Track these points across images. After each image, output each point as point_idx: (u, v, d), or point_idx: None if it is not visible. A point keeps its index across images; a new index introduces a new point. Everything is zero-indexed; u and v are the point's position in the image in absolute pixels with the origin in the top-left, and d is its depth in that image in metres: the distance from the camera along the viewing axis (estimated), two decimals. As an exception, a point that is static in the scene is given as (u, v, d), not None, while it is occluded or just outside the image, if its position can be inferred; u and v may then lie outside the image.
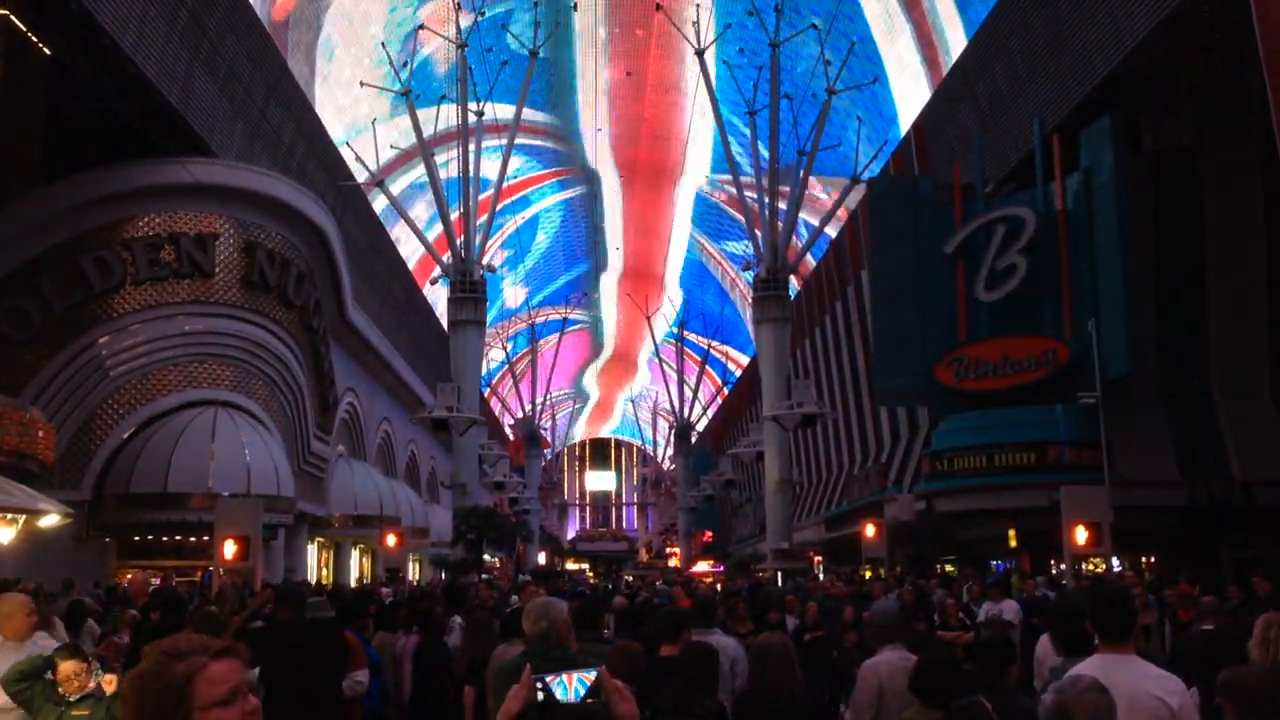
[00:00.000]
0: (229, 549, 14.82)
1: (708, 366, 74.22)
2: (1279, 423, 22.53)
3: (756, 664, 5.55)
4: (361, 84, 36.72)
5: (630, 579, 41.78)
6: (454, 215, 35.70)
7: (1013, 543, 24.99)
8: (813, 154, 34.63)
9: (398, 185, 42.26)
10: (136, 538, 22.33)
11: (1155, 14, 18.41)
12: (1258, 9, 13.26)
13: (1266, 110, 13.48)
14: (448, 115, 36.45)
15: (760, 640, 5.81)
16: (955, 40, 31.58)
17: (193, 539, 21.57)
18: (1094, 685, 3.08)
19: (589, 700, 2.28)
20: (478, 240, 35.23)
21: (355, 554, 36.85)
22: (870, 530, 24.05)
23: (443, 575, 31.81)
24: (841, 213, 38.31)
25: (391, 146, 39.04)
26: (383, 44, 36.22)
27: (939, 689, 4.41)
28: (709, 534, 69.45)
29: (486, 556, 37.21)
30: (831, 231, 40.26)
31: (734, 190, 39.40)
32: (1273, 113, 13.18)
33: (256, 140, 25.50)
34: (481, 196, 36.53)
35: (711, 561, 60.00)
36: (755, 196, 36.40)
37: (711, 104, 36.31)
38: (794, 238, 36.50)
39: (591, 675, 2.34)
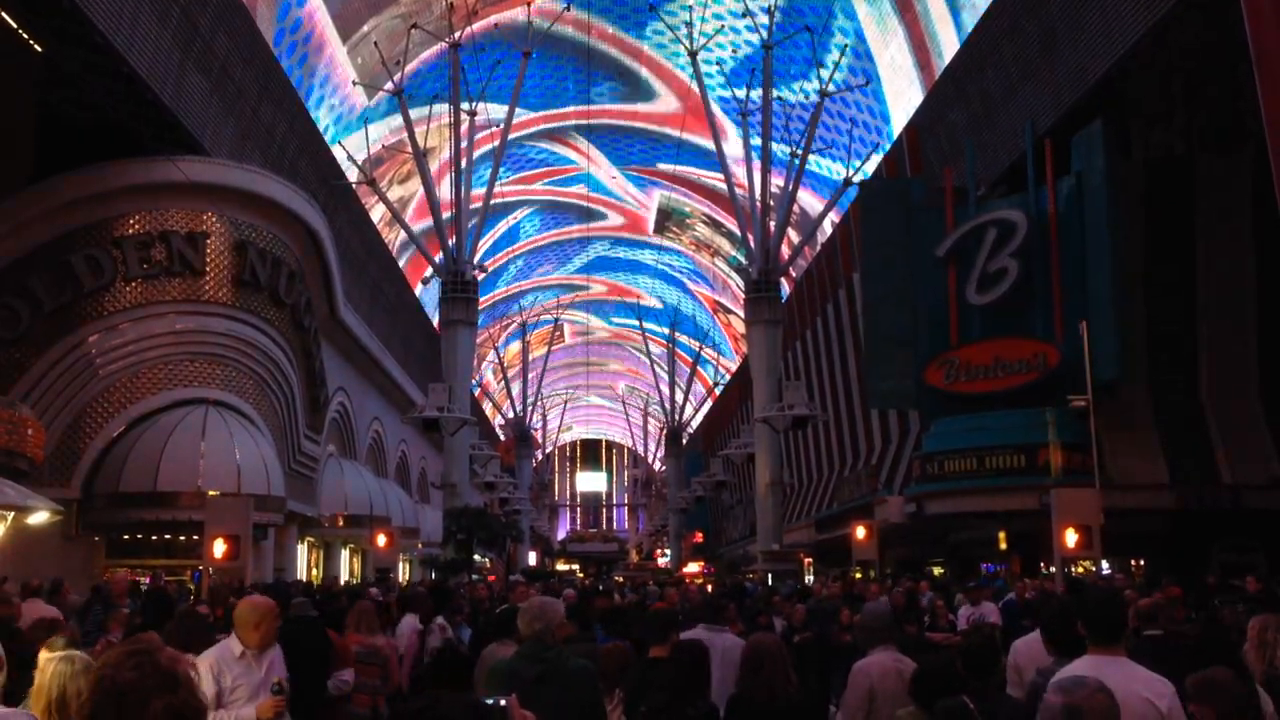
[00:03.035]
0: (218, 548, 14.75)
1: (699, 368, 74.25)
2: (1268, 426, 22.64)
3: (751, 664, 5.54)
4: (354, 83, 36.68)
5: (620, 580, 41.77)
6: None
7: (1003, 545, 25.04)
8: (805, 156, 34.71)
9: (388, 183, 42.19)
10: (126, 536, 22.23)
11: (1146, 20, 18.46)
12: (1249, 15, 13.30)
13: (1257, 117, 13.51)
14: (440, 115, 36.46)
15: (754, 640, 5.80)
16: (948, 43, 31.63)
17: (182, 538, 21.50)
18: (1102, 686, 3.08)
19: None
20: (469, 240, 35.29)
21: (345, 554, 36.79)
22: (861, 532, 24.04)
23: (432, 575, 31.79)
24: (834, 215, 38.39)
25: (384, 147, 39.00)
26: (375, 43, 36.16)
27: (939, 693, 4.42)
28: (699, 535, 69.50)
29: (477, 557, 37.24)
30: (823, 235, 40.35)
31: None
32: (1264, 119, 13.21)
33: (248, 139, 25.43)
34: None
35: (702, 563, 60.08)
36: (747, 198, 36.50)
37: (704, 106, 36.37)
38: (785, 239, 36.56)
39: (501, 702, 2.36)
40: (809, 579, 32.35)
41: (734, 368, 66.83)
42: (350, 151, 35.90)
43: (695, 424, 78.72)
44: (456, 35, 34.89)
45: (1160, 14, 18.01)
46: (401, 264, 45.55)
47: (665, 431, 78.01)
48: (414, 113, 35.54)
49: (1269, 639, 4.60)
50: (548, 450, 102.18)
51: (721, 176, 38.37)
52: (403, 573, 39.35)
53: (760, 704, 5.26)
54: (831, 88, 34.87)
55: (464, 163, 35.54)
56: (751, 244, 35.44)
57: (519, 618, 5.29)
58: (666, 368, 73.29)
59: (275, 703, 5.28)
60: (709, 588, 23.88)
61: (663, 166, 54.47)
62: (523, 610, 5.26)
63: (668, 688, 5.16)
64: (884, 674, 5.61)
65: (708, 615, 6.92)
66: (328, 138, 33.84)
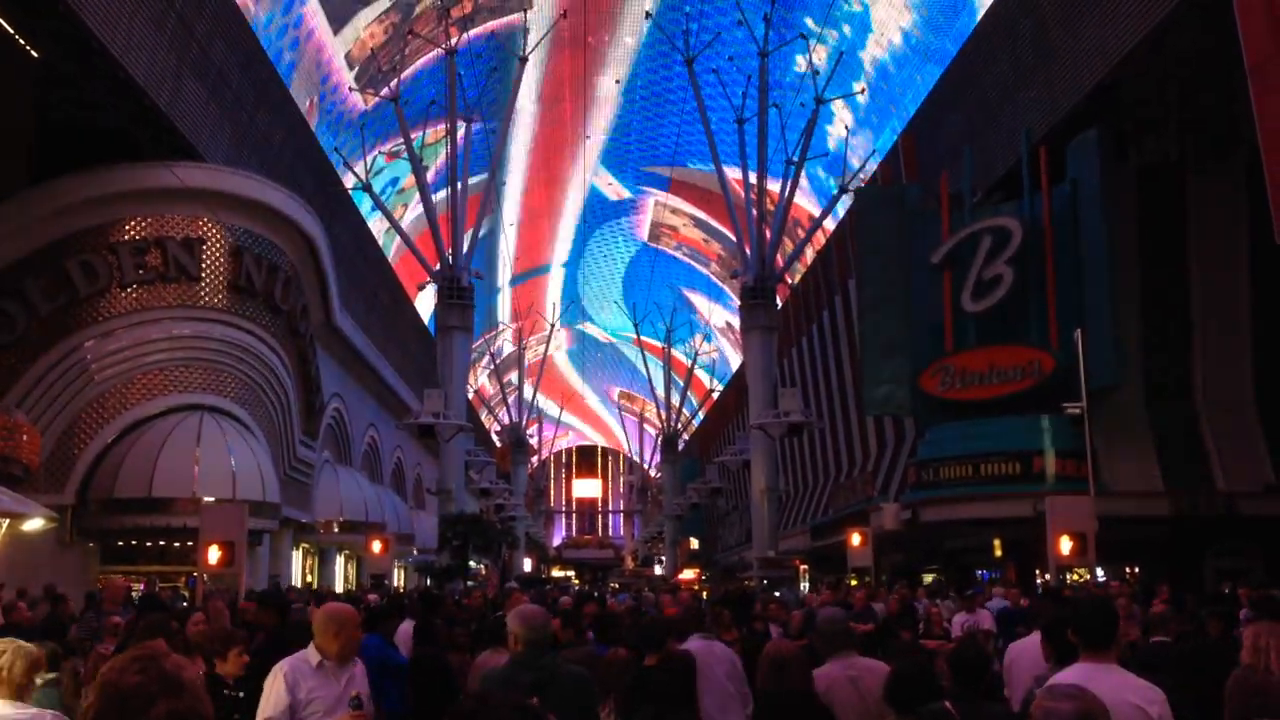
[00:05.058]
0: (213, 554, 14.75)
1: (695, 373, 74.21)
2: (1262, 434, 22.65)
3: (772, 670, 5.50)
4: (350, 89, 36.71)
5: (616, 586, 41.77)
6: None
7: (998, 552, 25.04)
8: (801, 163, 34.74)
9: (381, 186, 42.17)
10: (120, 543, 22.22)
11: (1141, 28, 18.52)
12: (1242, 24, 13.36)
13: (1251, 123, 13.58)
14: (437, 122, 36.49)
15: (773, 647, 5.78)
16: (945, 49, 31.70)
17: (177, 544, 21.48)
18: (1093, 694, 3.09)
19: None
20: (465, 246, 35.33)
21: (340, 560, 36.74)
22: (856, 539, 24.06)
23: (427, 581, 31.75)
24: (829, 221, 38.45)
25: (379, 152, 39.00)
26: (373, 50, 36.21)
27: (912, 698, 4.41)
28: (694, 542, 69.44)
29: (472, 563, 37.18)
30: (819, 241, 40.39)
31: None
32: (1257, 126, 13.27)
33: (244, 145, 25.44)
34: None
35: (697, 569, 60.05)
36: (743, 205, 36.53)
37: (700, 112, 36.41)
38: (781, 245, 36.60)
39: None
40: (804, 586, 32.36)
41: (730, 374, 66.83)
42: (347, 157, 35.90)
43: (691, 430, 78.67)
44: (453, 42, 34.93)
45: (1156, 21, 18.07)
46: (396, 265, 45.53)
47: (661, 438, 77.94)
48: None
49: (1262, 644, 4.62)
50: (544, 456, 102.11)
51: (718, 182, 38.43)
52: (398, 579, 39.30)
53: (786, 702, 5.23)
54: (826, 95, 34.91)
55: (460, 169, 35.55)
56: (748, 251, 35.47)
57: (511, 625, 5.28)
58: (662, 374, 73.22)
59: (354, 717, 4.84)
60: (704, 594, 23.88)
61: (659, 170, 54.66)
62: (515, 617, 5.25)
63: (655, 698, 5.15)
64: (834, 685, 5.52)
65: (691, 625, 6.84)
66: (324, 144, 33.85)
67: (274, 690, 4.95)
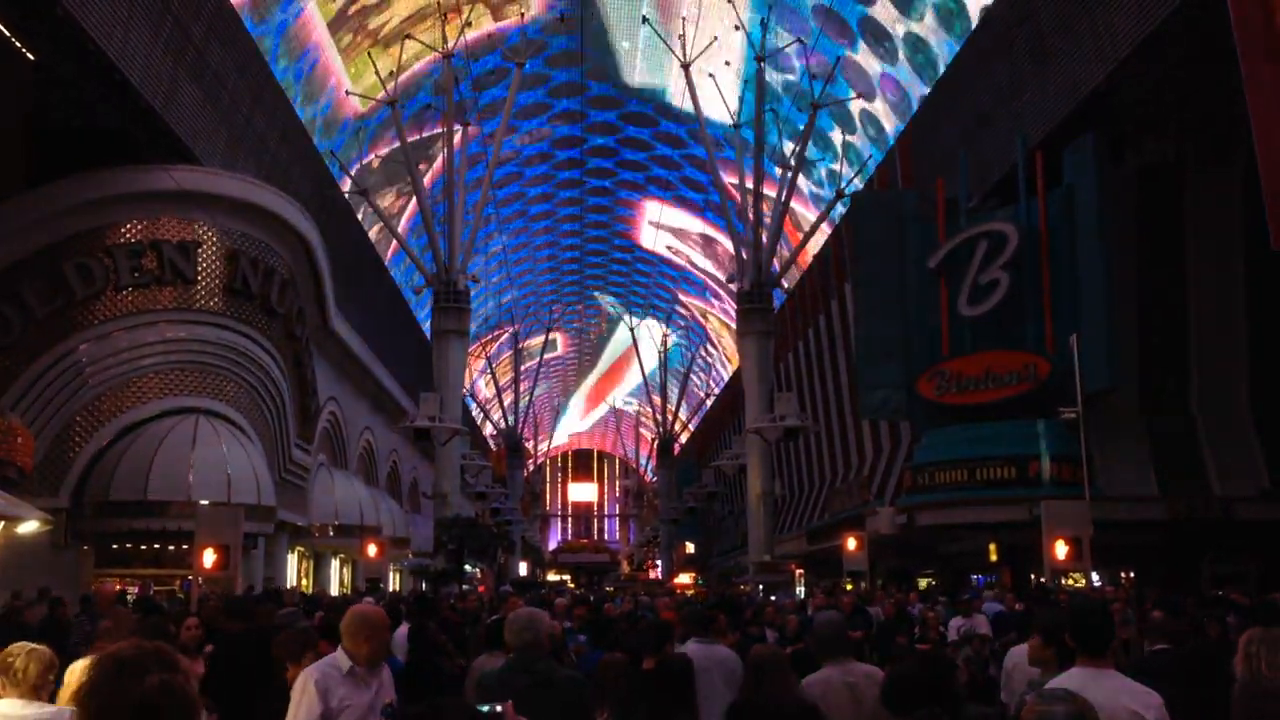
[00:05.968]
0: (208, 558, 14.69)
1: (692, 376, 74.31)
2: (1258, 438, 22.69)
3: (752, 675, 5.48)
4: (347, 93, 36.67)
5: (611, 590, 41.71)
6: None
7: (993, 557, 25.07)
8: (797, 168, 34.77)
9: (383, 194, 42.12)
10: (115, 546, 22.15)
11: (1137, 32, 18.56)
12: (1237, 28, 13.39)
13: (1248, 128, 13.61)
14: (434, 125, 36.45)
15: (755, 652, 5.77)
16: (941, 54, 31.73)
17: (172, 547, 21.43)
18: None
19: None
20: (461, 250, 35.31)
21: (336, 564, 36.69)
22: (851, 543, 24.07)
23: (423, 585, 31.69)
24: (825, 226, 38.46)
25: (376, 156, 38.99)
26: (368, 53, 36.16)
27: (909, 701, 4.40)
28: (690, 546, 69.43)
29: (468, 567, 37.13)
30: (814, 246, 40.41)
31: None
32: (1253, 130, 13.30)
33: (241, 148, 25.42)
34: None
35: (693, 574, 60.05)
36: (739, 210, 36.53)
37: (697, 117, 36.43)
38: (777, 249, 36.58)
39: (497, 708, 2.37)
40: (800, 590, 32.36)
41: (726, 378, 66.84)
42: (344, 161, 35.89)
43: (687, 435, 78.70)
44: (450, 46, 34.91)
45: (1151, 27, 18.10)
46: (395, 272, 45.50)
47: (657, 442, 77.99)
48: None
49: (1253, 651, 4.63)
50: (539, 460, 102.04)
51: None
52: (393, 583, 39.25)
53: (760, 713, 5.22)
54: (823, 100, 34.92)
55: (457, 173, 35.55)
56: (744, 257, 35.47)
57: (506, 629, 5.27)
58: (658, 378, 73.25)
59: None
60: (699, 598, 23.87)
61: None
62: (510, 621, 5.24)
63: (652, 701, 5.14)
64: (829, 691, 5.50)
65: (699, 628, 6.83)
66: (320, 147, 33.84)
67: (305, 698, 4.72)
